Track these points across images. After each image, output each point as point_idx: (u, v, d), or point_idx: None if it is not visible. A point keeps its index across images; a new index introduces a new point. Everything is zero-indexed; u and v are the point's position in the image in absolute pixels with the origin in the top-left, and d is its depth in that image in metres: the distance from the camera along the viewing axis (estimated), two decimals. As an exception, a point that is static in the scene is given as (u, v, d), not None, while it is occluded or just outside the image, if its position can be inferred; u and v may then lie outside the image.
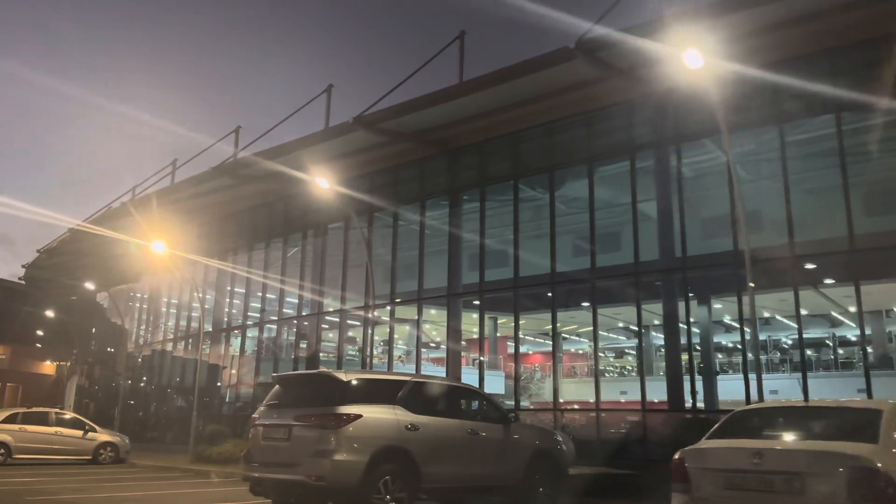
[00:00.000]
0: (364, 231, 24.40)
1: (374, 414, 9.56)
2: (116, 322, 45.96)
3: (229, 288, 32.33)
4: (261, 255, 30.38)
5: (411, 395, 10.23)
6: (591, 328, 21.03)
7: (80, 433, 23.03)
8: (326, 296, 26.94)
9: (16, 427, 22.12)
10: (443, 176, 24.39)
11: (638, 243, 19.39)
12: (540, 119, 21.19)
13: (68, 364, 57.58)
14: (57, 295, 46.43)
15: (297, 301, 29.12)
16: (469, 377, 22.53)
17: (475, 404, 11.91)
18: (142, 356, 38.83)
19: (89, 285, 32.47)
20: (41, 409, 23.76)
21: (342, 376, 9.90)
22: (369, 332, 25.42)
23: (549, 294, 21.51)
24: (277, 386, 10.83)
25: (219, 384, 31.17)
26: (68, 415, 24.27)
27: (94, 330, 53.21)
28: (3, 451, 21.66)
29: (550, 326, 22.68)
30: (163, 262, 28.65)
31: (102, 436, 23.51)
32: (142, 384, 38.54)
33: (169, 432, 30.29)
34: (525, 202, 22.79)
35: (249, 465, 10.14)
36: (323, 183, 20.87)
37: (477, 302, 23.44)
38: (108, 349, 47.74)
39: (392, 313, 25.44)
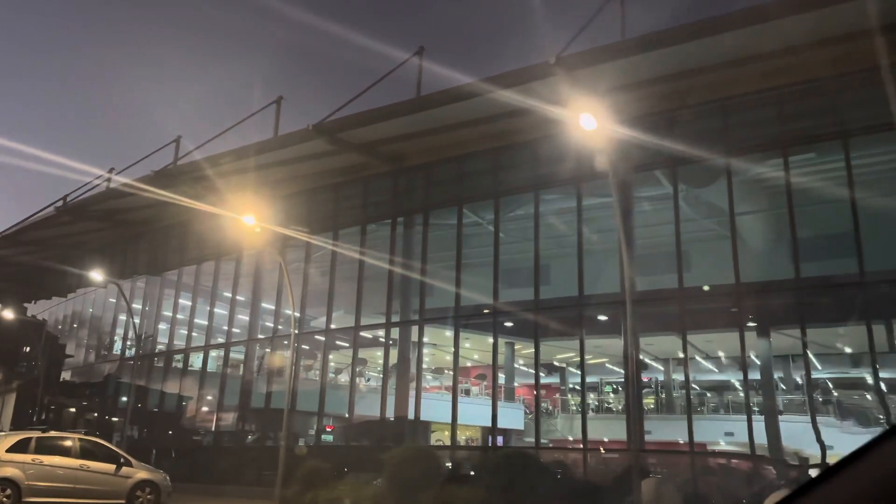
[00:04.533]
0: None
1: None
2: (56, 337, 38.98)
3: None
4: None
5: None
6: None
7: (111, 468, 17.06)
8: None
9: (28, 458, 16.00)
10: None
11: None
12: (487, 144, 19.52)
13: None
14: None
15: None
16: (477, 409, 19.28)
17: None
18: (146, 367, 31.10)
19: (96, 275, 25.88)
20: (62, 434, 17.55)
21: None
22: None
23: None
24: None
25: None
26: (96, 442, 18.04)
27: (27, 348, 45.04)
28: (9, 491, 15.51)
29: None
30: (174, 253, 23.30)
31: (139, 472, 17.59)
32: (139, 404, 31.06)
33: (212, 465, 23.57)
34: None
35: None
36: (248, 220, 17.14)
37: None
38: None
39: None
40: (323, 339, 23.22)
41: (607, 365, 35.21)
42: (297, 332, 19.48)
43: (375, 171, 22.15)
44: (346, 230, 23.05)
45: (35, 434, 16.61)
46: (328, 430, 26.09)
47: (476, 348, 31.26)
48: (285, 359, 26.44)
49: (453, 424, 19.75)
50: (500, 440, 27.61)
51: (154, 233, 29.79)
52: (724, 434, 25.57)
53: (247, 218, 17.04)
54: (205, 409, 26.83)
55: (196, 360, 28.48)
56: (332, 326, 22.89)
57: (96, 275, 25.85)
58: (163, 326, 30.60)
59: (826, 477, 1.23)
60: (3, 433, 17.08)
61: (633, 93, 15.73)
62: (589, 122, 11.67)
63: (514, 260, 21.52)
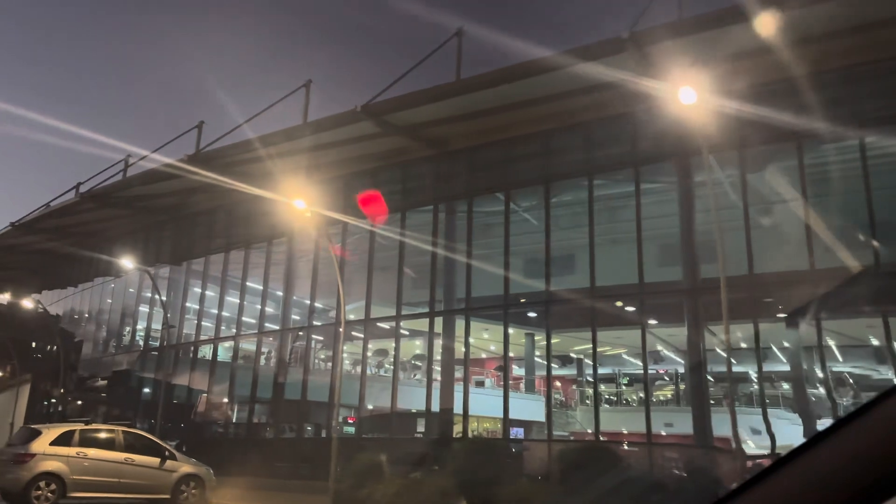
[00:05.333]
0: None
1: None
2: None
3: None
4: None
5: None
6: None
7: (156, 461, 16.31)
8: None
9: (73, 451, 15.24)
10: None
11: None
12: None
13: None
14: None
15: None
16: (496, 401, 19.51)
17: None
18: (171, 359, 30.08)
19: (128, 262, 25.04)
20: (104, 427, 16.77)
21: None
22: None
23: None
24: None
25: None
26: (139, 435, 17.26)
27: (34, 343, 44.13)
28: (54, 486, 14.78)
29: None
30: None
31: (184, 465, 16.83)
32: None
33: (246, 458, 22.63)
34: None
35: None
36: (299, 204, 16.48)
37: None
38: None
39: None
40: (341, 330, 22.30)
41: (624, 356, 34.64)
42: (338, 321, 18.78)
43: (415, 156, 21.38)
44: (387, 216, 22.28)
45: (78, 426, 15.85)
46: (350, 421, 25.43)
47: (493, 339, 30.65)
48: (318, 350, 25.83)
49: (504, 418, 19.05)
50: (519, 432, 27.01)
51: (178, 221, 28.97)
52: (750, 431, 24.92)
53: (297, 202, 16.25)
54: (235, 401, 26.08)
55: (224, 352, 27.72)
56: (364, 317, 22.17)
57: (127, 262, 25.01)
58: (188, 316, 29.85)
59: (776, 468, 1.23)
60: (47, 426, 16.23)
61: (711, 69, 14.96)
62: (688, 95, 10.90)
63: (553, 248, 20.91)
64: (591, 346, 32.14)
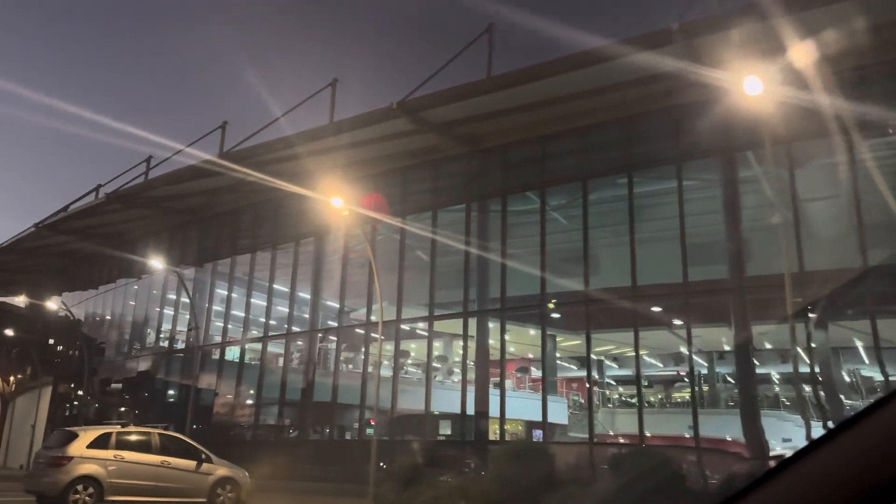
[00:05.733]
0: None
1: None
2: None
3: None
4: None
5: None
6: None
7: (192, 464, 16.05)
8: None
9: (110, 454, 15.00)
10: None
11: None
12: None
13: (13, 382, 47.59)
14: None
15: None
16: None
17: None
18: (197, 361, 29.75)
19: (157, 263, 24.87)
20: (141, 429, 16.51)
21: None
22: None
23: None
24: None
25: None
26: (175, 437, 16.99)
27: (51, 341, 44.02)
28: (91, 490, 14.53)
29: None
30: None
31: (220, 468, 16.55)
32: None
33: (277, 461, 22.32)
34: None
35: None
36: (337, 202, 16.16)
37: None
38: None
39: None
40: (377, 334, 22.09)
41: (646, 358, 34.23)
42: (374, 321, 18.47)
43: (447, 154, 21.07)
44: (415, 216, 21.98)
45: (115, 429, 15.59)
46: (371, 423, 25.12)
47: (514, 340, 30.31)
48: (344, 351, 25.50)
49: (544, 421, 18.67)
50: (539, 434, 26.66)
51: (203, 221, 28.78)
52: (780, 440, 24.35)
53: (335, 200, 15.95)
54: (262, 403, 25.82)
55: (250, 354, 27.48)
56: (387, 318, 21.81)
57: (157, 263, 24.81)
58: (212, 318, 29.64)
59: (780, 470, 1.22)
60: (84, 428, 15.98)
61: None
62: (754, 85, 10.50)
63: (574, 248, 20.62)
64: (610, 347, 32.15)
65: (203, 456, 16.28)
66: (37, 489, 14.97)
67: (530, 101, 18.09)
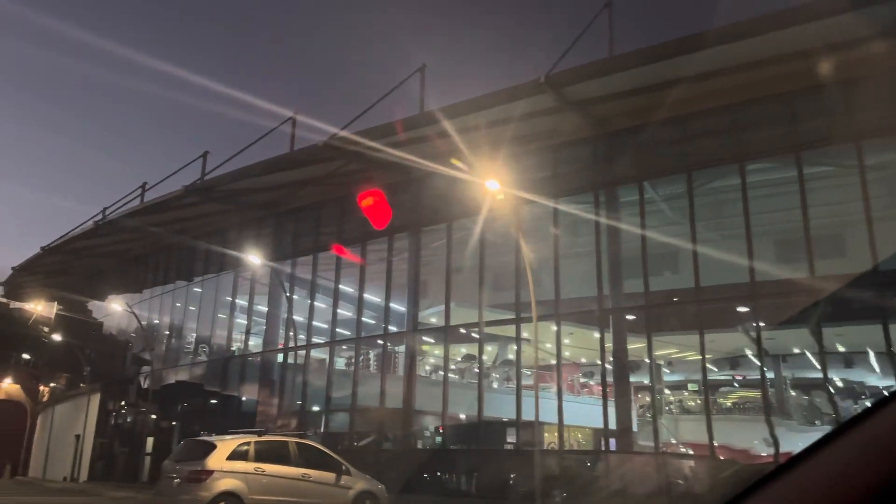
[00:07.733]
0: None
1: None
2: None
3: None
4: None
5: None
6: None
7: (332, 477, 14.34)
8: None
9: (250, 467, 13.30)
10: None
11: None
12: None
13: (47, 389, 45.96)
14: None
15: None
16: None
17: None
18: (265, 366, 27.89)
19: (254, 258, 23.15)
20: (278, 439, 14.81)
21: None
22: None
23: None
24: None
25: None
26: (313, 447, 15.25)
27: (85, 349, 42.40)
28: (231, 506, 12.81)
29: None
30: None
31: (359, 482, 14.84)
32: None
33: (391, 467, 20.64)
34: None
35: None
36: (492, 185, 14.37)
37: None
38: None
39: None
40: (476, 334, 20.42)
41: (690, 362, 32.76)
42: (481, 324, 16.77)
43: (571, 138, 19.46)
44: (536, 204, 20.25)
45: (253, 438, 13.89)
46: (440, 430, 23.59)
47: (573, 344, 28.73)
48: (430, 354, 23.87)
49: (606, 428, 16.90)
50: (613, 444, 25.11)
51: (277, 217, 27.13)
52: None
53: (490, 182, 14.32)
54: (339, 409, 24.15)
55: (322, 358, 25.81)
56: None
57: (254, 258, 23.10)
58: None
59: (783, 471, 1.22)
60: (221, 437, 14.25)
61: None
62: None
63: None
64: (671, 351, 30.50)
65: (343, 468, 14.58)
66: (171, 508, 13.30)
67: (668, 79, 16.47)
